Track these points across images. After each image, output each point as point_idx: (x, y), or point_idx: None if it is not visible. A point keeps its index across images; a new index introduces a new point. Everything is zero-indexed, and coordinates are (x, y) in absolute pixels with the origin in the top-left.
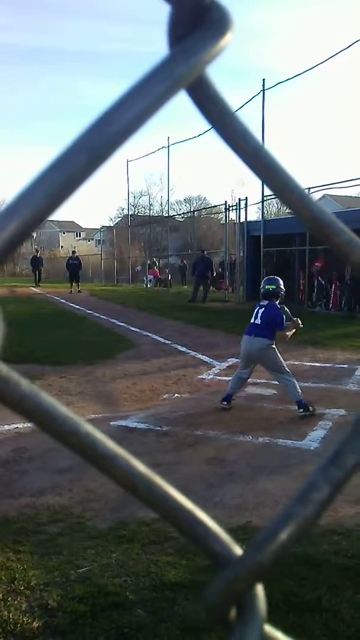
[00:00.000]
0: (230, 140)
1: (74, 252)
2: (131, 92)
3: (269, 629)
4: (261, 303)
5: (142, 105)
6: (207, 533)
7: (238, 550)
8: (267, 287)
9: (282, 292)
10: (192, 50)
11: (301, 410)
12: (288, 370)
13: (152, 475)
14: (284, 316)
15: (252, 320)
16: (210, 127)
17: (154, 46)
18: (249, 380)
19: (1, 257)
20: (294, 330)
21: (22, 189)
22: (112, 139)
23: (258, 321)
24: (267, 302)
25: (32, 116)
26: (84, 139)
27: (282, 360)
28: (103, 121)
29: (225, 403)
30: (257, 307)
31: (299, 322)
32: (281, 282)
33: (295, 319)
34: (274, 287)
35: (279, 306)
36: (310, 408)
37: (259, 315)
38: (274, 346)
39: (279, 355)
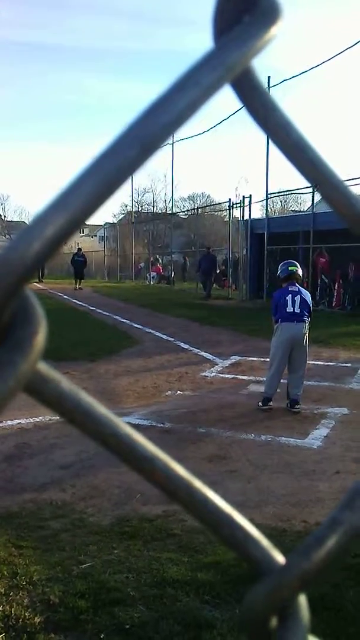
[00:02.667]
0: (272, 133)
1: (79, 249)
2: (182, 80)
3: (313, 639)
4: (291, 288)
5: (193, 94)
6: (247, 538)
7: (279, 557)
8: (290, 268)
9: (303, 275)
10: (244, 38)
11: (298, 406)
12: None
13: (192, 478)
14: None
15: (289, 309)
16: (246, 118)
17: (158, 44)
18: (251, 378)
19: (47, 254)
20: None
21: (70, 183)
22: (164, 130)
23: (297, 310)
24: (297, 287)
25: (36, 113)
26: (135, 129)
27: None
28: (154, 111)
29: (271, 403)
30: (290, 294)
31: None
32: None
33: None
34: (296, 268)
35: (306, 291)
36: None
37: (297, 303)
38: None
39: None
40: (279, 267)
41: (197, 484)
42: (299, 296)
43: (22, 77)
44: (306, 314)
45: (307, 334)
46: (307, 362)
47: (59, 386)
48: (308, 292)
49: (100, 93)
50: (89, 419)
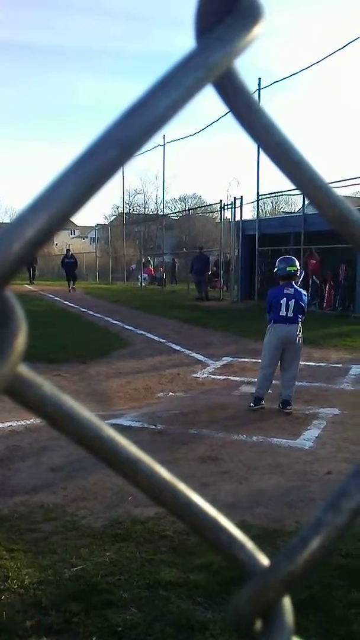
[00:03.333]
0: (255, 134)
1: (68, 250)
2: (164, 81)
3: None
4: (287, 290)
5: (175, 95)
6: (231, 541)
7: (263, 559)
8: (289, 268)
9: (301, 273)
10: (225, 39)
11: (289, 407)
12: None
13: (176, 481)
14: None
15: (283, 313)
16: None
17: (153, 44)
18: (243, 379)
19: (27, 255)
20: None
21: (50, 184)
22: (144, 131)
23: (291, 314)
24: (293, 289)
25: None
26: (115, 130)
27: None
28: (134, 112)
29: (263, 402)
30: (285, 298)
31: None
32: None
33: None
34: (295, 268)
35: (300, 289)
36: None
37: (291, 307)
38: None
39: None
40: (277, 262)
41: (181, 486)
42: (293, 300)
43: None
44: (300, 315)
45: (300, 334)
46: (300, 362)
47: (40, 389)
48: (303, 292)
49: (94, 93)
50: (72, 422)
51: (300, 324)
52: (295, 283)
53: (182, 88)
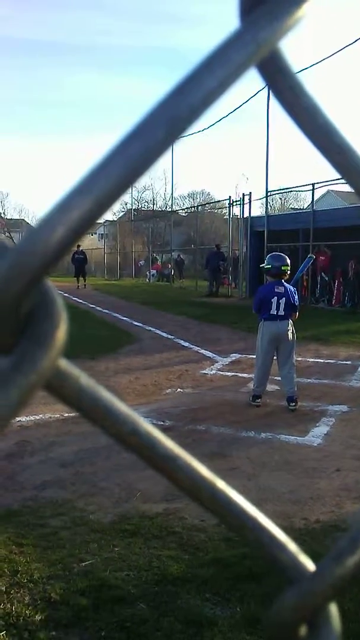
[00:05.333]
0: (297, 117)
1: (78, 246)
2: (212, 57)
3: None
4: (277, 289)
5: (224, 72)
6: (273, 542)
7: (308, 562)
8: (283, 268)
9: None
10: (275, 14)
11: (293, 404)
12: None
13: (215, 478)
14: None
15: (273, 311)
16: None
17: (155, 40)
18: (251, 376)
19: (71, 242)
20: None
21: (95, 165)
22: (193, 109)
23: (282, 312)
24: (283, 287)
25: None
26: (163, 109)
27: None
28: (181, 90)
29: (259, 401)
30: (276, 297)
31: None
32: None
33: None
34: (288, 267)
35: (289, 286)
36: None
37: (282, 306)
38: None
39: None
40: (268, 259)
41: (221, 484)
42: (284, 298)
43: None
44: (290, 312)
45: (291, 329)
46: (308, 359)
47: (77, 382)
48: (293, 289)
49: (101, 89)
50: (109, 417)
51: (290, 319)
52: (286, 281)
53: (231, 65)
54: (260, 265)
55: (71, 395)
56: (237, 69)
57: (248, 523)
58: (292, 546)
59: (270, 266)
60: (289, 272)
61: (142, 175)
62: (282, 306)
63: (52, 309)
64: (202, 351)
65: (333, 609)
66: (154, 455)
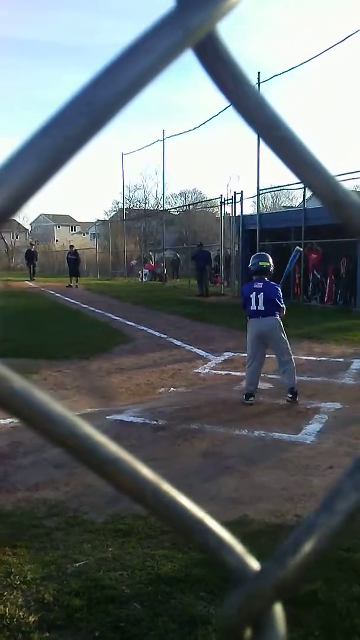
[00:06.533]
0: (243, 109)
1: (71, 246)
2: (138, 44)
3: None
4: (256, 285)
5: (149, 59)
6: (220, 544)
7: (254, 564)
8: (261, 263)
9: (272, 268)
10: None
11: (290, 396)
12: (291, 354)
13: (159, 480)
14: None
15: (253, 307)
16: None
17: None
18: (244, 375)
19: None
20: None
21: (10, 155)
22: (116, 98)
23: (261, 307)
24: (262, 282)
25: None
26: (84, 96)
27: (288, 342)
28: (106, 77)
29: (252, 399)
30: (254, 292)
31: None
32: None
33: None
34: (267, 263)
35: (273, 282)
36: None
37: (261, 301)
38: (281, 324)
39: (286, 336)
40: (251, 259)
41: (165, 487)
42: (262, 293)
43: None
44: (274, 308)
45: (279, 326)
46: (301, 357)
47: (8, 384)
48: (275, 286)
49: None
50: (43, 419)
51: (277, 316)
52: (269, 278)
53: (155, 53)
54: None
55: (2, 397)
56: (164, 56)
57: (194, 526)
58: (239, 548)
59: (250, 264)
60: (270, 268)
61: (63, 166)
62: (260, 301)
63: None
64: (195, 350)
65: (278, 610)
66: (95, 458)
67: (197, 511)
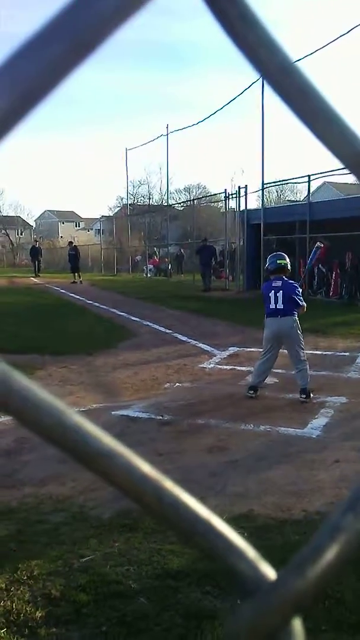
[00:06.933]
0: (251, 52)
1: (70, 242)
2: None
3: None
4: (274, 284)
5: None
6: (230, 549)
7: (269, 571)
8: (279, 262)
9: (289, 266)
10: None
11: (304, 396)
12: (305, 354)
13: (162, 478)
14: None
15: (272, 306)
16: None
17: (138, 33)
18: (250, 369)
19: None
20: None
21: None
22: (102, 21)
23: (280, 305)
24: (281, 281)
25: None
26: (65, 18)
27: (303, 342)
28: (82, 3)
29: (252, 392)
30: (273, 290)
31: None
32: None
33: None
34: (285, 262)
35: (291, 281)
36: (311, 395)
37: (280, 299)
38: (298, 324)
39: (302, 336)
40: (268, 259)
41: (168, 484)
42: (281, 292)
43: None
44: (292, 307)
45: (296, 326)
46: (306, 351)
47: None
48: (294, 284)
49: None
50: (26, 407)
51: (295, 315)
52: (287, 276)
53: None
54: (265, 267)
55: None
56: None
57: (200, 528)
58: (251, 553)
59: (267, 264)
60: (288, 266)
61: (45, 96)
62: (280, 299)
63: None
64: (200, 345)
65: (297, 627)
66: (85, 452)
67: (204, 511)
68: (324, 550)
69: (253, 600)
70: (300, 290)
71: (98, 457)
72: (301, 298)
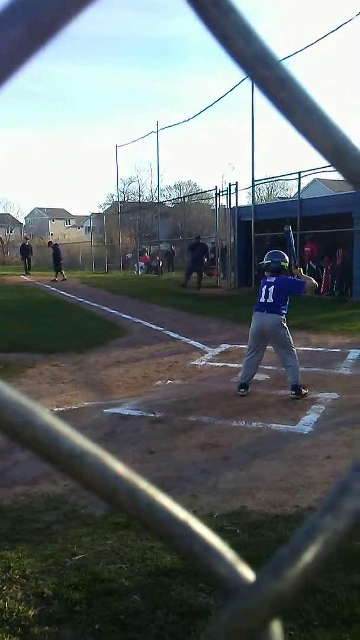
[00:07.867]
0: (227, 40)
1: (50, 242)
2: None
3: None
4: (269, 280)
5: None
6: (207, 551)
7: (247, 573)
8: (282, 264)
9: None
10: None
11: (293, 392)
12: (295, 351)
13: (136, 478)
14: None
15: (262, 300)
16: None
17: (127, 29)
18: (241, 366)
19: None
20: (312, 280)
21: None
22: (60, 6)
23: (270, 300)
24: (275, 277)
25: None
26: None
27: (292, 340)
28: None
29: (243, 390)
30: (264, 285)
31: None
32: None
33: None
34: (287, 264)
35: (285, 275)
36: (304, 391)
37: (270, 294)
38: (285, 324)
39: (290, 335)
40: (268, 255)
41: (143, 485)
42: (272, 287)
43: None
44: (281, 302)
45: (280, 324)
46: (298, 348)
47: None
48: (287, 277)
49: (82, 80)
50: None
51: (281, 316)
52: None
53: None
54: (260, 263)
55: None
56: None
57: (177, 530)
58: (229, 555)
59: (270, 261)
60: (286, 268)
61: (3, 82)
62: (270, 294)
63: None
64: (192, 342)
65: (276, 629)
66: (56, 452)
67: (181, 513)
68: (302, 551)
69: (231, 602)
70: (291, 277)
71: (70, 458)
72: (298, 281)
